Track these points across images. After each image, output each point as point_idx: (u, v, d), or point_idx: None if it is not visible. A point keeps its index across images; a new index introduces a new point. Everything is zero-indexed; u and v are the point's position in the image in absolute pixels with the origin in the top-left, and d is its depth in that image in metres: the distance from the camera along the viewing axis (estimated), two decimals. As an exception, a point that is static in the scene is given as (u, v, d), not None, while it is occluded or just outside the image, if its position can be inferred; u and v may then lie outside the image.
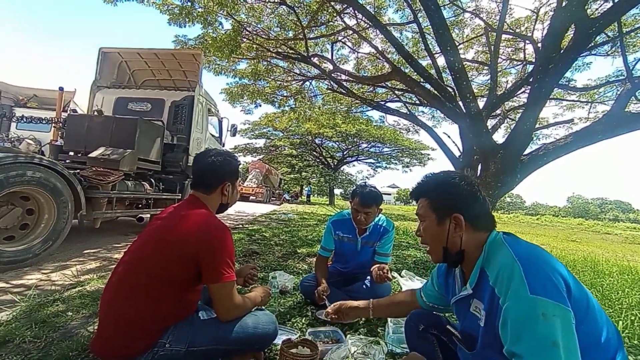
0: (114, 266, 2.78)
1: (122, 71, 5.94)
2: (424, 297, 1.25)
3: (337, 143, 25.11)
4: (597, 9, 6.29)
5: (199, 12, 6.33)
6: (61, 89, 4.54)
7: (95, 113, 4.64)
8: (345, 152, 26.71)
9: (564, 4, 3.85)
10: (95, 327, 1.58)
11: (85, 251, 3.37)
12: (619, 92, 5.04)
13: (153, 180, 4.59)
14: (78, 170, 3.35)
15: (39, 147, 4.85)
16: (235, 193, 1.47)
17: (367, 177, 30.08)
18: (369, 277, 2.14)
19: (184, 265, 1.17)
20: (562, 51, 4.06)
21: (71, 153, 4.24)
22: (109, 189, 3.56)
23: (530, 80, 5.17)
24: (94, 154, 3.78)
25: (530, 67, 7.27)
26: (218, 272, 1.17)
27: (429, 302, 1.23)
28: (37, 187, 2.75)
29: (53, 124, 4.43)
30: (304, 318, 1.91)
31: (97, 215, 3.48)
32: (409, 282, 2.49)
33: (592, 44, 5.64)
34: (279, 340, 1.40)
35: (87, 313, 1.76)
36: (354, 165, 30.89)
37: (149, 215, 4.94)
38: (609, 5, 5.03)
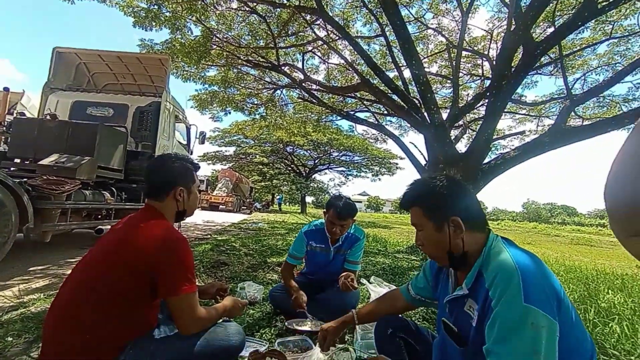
0: (64, 283, 2.54)
1: (80, 73, 5.58)
2: (412, 290, 1.25)
3: (308, 151, 25.25)
4: (541, 33, 7.00)
5: (166, 16, 6.14)
6: (6, 89, 4.16)
7: (48, 117, 4.30)
8: (316, 161, 26.87)
9: (512, 27, 4.23)
10: (39, 353, 1.44)
11: (31, 268, 3.05)
12: (560, 109, 5.60)
13: (115, 190, 4.31)
14: (25, 179, 3.06)
15: (-23, 154, 4.38)
16: (193, 199, 1.36)
17: (339, 184, 30.36)
18: (337, 286, 2.15)
19: (138, 279, 1.10)
20: (513, 69, 4.45)
21: (17, 160, 3.87)
22: (64, 199, 3.29)
23: (488, 94, 5.60)
24: (45, 161, 3.48)
25: (487, 82, 7.88)
26: (176, 284, 1.11)
27: (417, 294, 1.24)
28: (-26, 197, 2.47)
29: (-4, 128, 4.03)
30: (273, 328, 1.88)
31: (47, 227, 3.18)
32: (378, 289, 2.54)
33: (538, 64, 6.25)
34: (246, 353, 1.37)
35: (30, 337, 1.59)
36: (325, 174, 31.06)
37: (109, 227, 4.61)
38: (551, 30, 5.62)
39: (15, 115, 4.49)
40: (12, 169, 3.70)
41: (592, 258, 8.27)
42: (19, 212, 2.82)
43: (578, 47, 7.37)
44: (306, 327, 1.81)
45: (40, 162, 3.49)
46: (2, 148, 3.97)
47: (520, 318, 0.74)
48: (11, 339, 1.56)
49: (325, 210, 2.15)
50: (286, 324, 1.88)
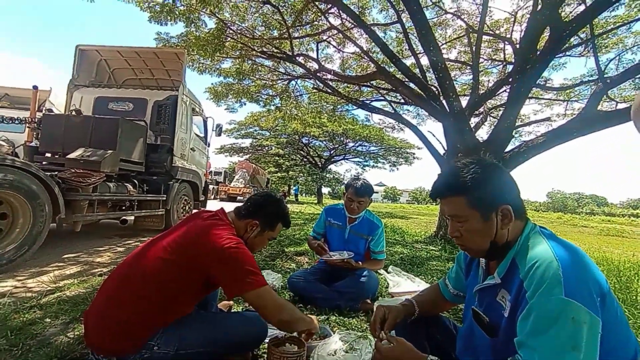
0: (95, 270, 2.69)
1: (102, 70, 5.75)
2: (449, 285, 1.18)
3: (324, 142, 25.18)
4: (570, 12, 6.55)
5: (181, 10, 6.20)
6: (35, 87, 4.35)
7: (73, 113, 4.48)
8: (332, 151, 26.79)
9: (539, 7, 3.99)
10: (76, 333, 1.54)
11: (65, 256, 3.24)
12: (591, 91, 5.26)
13: (136, 182, 4.47)
14: (56, 172, 3.22)
15: (12, 149, 4.64)
16: (258, 240, 1.43)
17: (355, 175, 30.19)
18: (357, 273, 2.17)
19: (193, 277, 1.16)
20: (538, 52, 4.21)
21: (48, 154, 4.07)
22: (90, 191, 3.45)
23: (510, 79, 5.34)
24: (72, 155, 3.65)
25: (510, 67, 7.50)
26: (245, 280, 1.15)
27: (454, 289, 1.17)
28: (10, 190, 2.62)
29: (27, 124, 4.25)
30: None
31: (77, 218, 3.36)
32: (396, 278, 2.53)
33: (567, 45, 5.87)
34: (266, 339, 1.40)
35: (66, 319, 1.70)
36: (341, 164, 30.94)
37: (132, 217, 4.81)
38: (581, 8, 5.25)
39: (44, 111, 4.71)
40: (44, 163, 3.90)
41: (624, 250, 7.86)
42: (52, 203, 2.99)
43: (612, 26, 6.84)
44: (337, 257, 2.10)
45: (68, 156, 3.67)
46: (35, 143, 4.18)
47: (559, 311, 0.69)
48: (49, 320, 1.67)
49: (344, 190, 2.31)
50: (323, 258, 2.16)
